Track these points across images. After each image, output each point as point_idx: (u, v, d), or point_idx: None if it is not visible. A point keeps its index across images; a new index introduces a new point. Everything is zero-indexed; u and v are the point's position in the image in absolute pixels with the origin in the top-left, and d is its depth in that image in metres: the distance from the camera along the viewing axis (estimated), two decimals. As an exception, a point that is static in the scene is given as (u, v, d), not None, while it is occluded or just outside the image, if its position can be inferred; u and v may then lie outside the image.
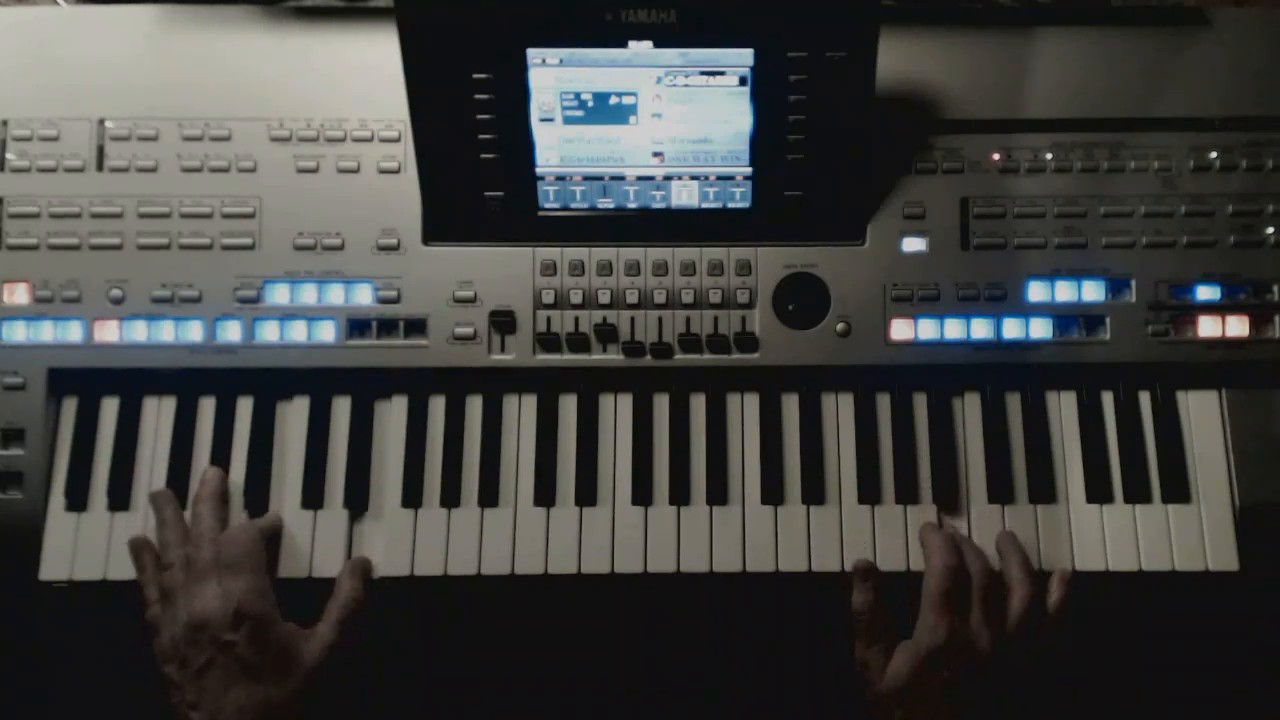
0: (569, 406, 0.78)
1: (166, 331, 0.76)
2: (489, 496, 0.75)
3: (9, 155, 0.77)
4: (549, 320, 0.76)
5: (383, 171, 0.77)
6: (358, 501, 0.76)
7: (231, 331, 0.76)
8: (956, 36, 0.79)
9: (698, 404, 0.78)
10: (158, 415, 0.77)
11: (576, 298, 0.76)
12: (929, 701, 0.68)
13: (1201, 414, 0.77)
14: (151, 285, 0.76)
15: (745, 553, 0.75)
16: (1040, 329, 0.76)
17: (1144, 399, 0.78)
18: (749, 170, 0.75)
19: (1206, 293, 0.76)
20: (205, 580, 0.68)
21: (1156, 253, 0.76)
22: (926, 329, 0.76)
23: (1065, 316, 0.76)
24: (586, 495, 0.76)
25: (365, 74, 0.77)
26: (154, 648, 0.69)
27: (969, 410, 0.78)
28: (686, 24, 0.70)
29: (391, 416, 0.77)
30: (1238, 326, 0.76)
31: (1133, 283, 0.76)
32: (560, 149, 0.74)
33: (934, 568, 0.71)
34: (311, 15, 0.79)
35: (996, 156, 0.77)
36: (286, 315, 0.76)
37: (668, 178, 0.76)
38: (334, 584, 0.73)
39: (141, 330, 0.76)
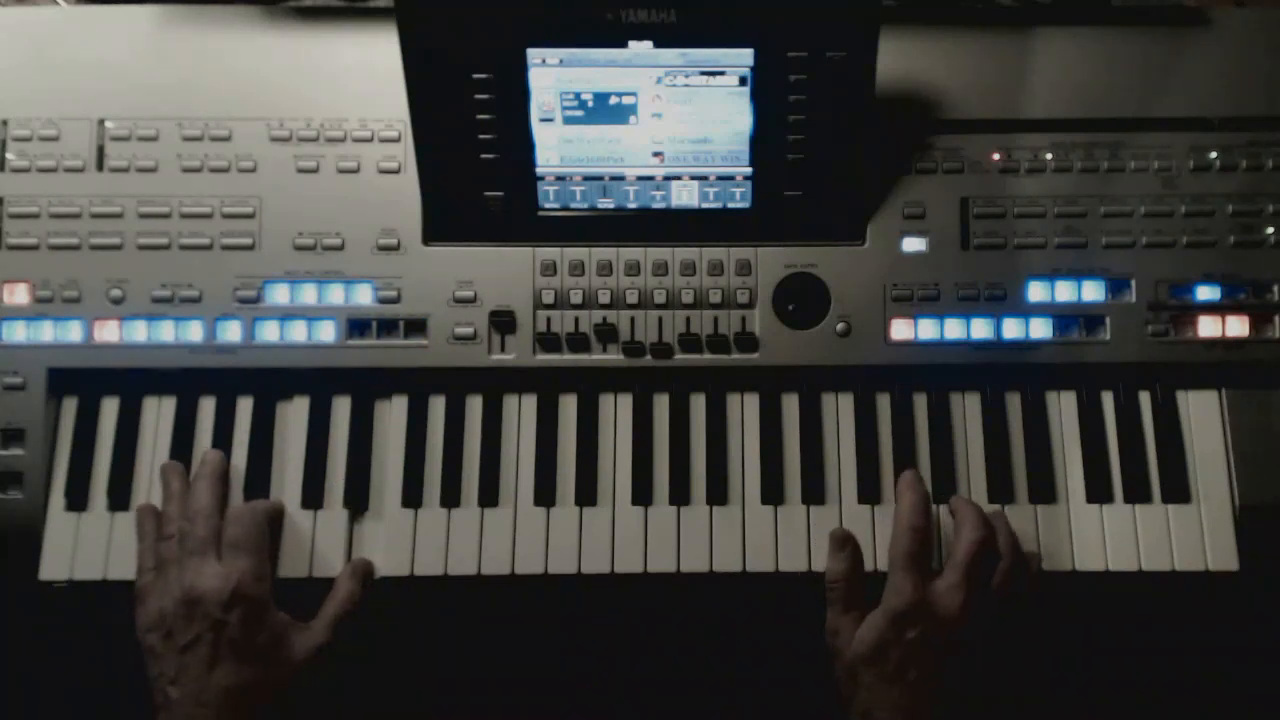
0: (569, 406, 0.78)
1: (166, 331, 0.76)
2: (489, 496, 0.75)
3: (9, 155, 0.77)
4: (549, 320, 0.76)
5: (383, 171, 0.77)
6: (358, 501, 0.76)
7: (231, 331, 0.76)
8: (956, 36, 0.78)
9: (698, 404, 0.78)
10: (158, 415, 0.77)
11: (576, 298, 0.76)
12: (893, 667, 0.66)
13: (1201, 414, 0.77)
14: (151, 285, 0.76)
15: (745, 553, 0.74)
16: (1040, 329, 0.76)
17: (1144, 399, 0.78)
18: (749, 170, 0.75)
19: (1206, 293, 0.76)
20: (203, 556, 0.68)
21: (1156, 253, 0.76)
22: (926, 329, 0.76)
23: (1065, 316, 0.76)
24: (586, 495, 0.76)
25: (365, 74, 0.77)
26: (137, 615, 0.69)
27: (969, 410, 0.78)
28: (686, 24, 0.70)
29: (391, 416, 0.77)
30: (1238, 326, 0.76)
31: (1133, 283, 0.76)
32: (560, 149, 0.74)
33: (899, 531, 0.71)
34: (311, 15, 0.79)
35: (996, 156, 0.77)
36: (286, 315, 0.76)
37: (668, 178, 0.75)
38: (333, 584, 0.73)
39: (141, 330, 0.76)
